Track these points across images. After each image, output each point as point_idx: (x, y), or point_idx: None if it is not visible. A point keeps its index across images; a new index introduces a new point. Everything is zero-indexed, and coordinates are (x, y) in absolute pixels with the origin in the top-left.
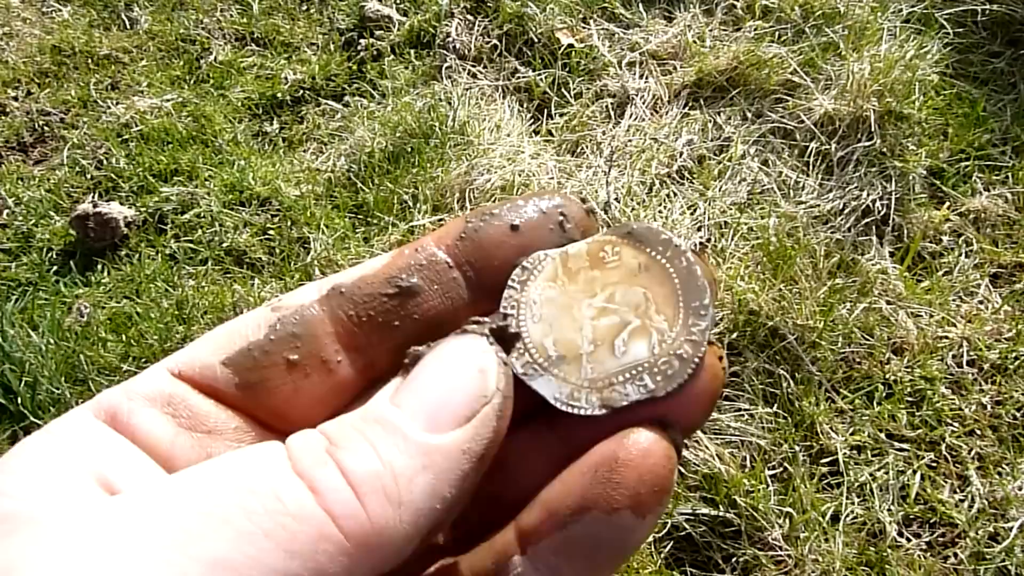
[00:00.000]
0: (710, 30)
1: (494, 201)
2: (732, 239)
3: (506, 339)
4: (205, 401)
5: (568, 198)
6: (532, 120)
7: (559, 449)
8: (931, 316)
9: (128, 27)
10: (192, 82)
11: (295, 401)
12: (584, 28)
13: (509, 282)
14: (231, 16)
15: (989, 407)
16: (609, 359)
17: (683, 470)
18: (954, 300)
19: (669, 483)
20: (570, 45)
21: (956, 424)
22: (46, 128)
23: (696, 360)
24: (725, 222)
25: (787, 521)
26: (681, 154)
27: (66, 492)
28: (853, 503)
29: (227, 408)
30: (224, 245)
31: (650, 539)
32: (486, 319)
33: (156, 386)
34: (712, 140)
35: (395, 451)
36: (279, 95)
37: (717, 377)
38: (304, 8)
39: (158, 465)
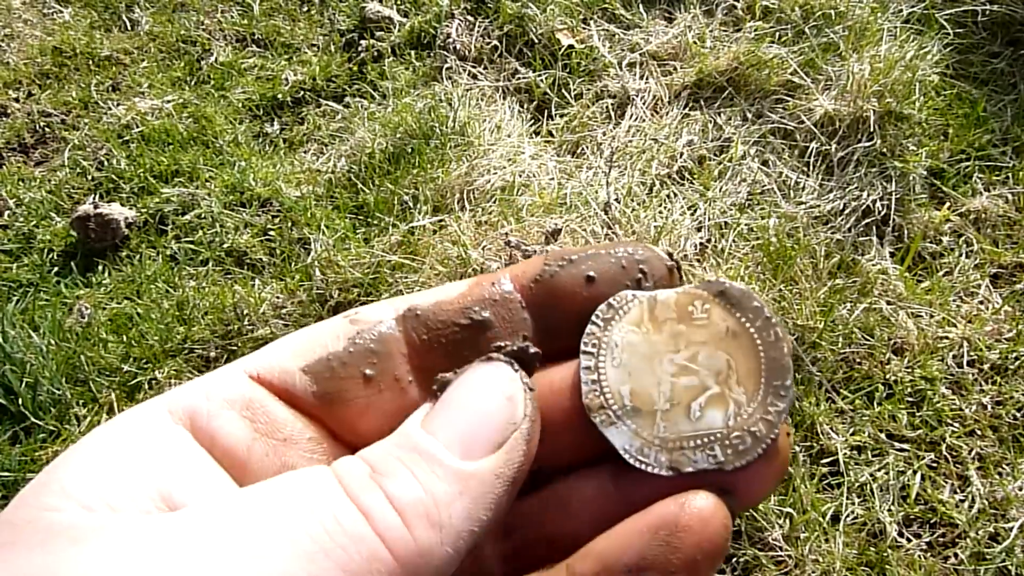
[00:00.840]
0: (710, 31)
1: (495, 201)
2: (732, 239)
3: (527, 361)
4: (282, 408)
5: (652, 251)
6: (532, 121)
7: (617, 502)
8: (931, 316)
9: (129, 28)
10: (193, 83)
11: (367, 415)
12: (584, 29)
13: (593, 317)
14: (232, 17)
15: (989, 407)
16: (683, 421)
17: None
18: (954, 300)
19: (724, 550)
20: (570, 46)
21: (956, 424)
22: (47, 129)
23: (769, 440)
24: (725, 222)
25: (787, 521)
26: (681, 155)
27: (127, 505)
28: (853, 503)
29: (303, 416)
30: (225, 246)
31: None
32: (508, 343)
33: (236, 389)
34: (712, 140)
35: (434, 478)
36: (280, 96)
37: (786, 457)
38: (305, 9)
39: (229, 475)
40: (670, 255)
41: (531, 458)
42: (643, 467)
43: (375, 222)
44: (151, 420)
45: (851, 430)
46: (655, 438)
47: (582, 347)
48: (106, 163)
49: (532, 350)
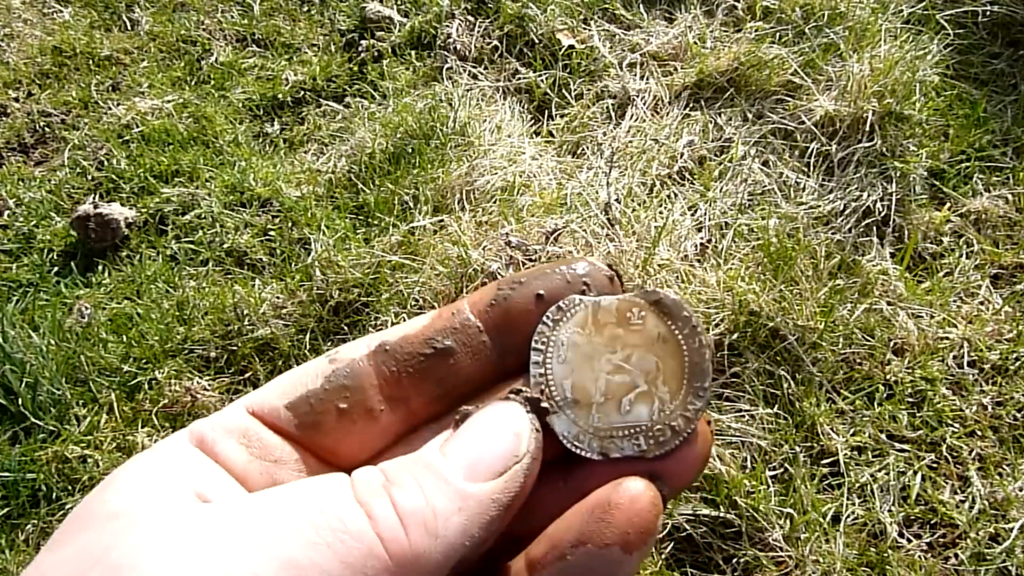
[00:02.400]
0: (711, 31)
1: (495, 202)
2: (732, 240)
3: (540, 411)
4: (274, 436)
5: (594, 265)
6: (533, 121)
7: (569, 496)
8: (932, 317)
9: (129, 28)
10: (193, 83)
11: (344, 442)
12: (585, 29)
13: (544, 319)
14: (232, 17)
15: (990, 408)
16: (614, 414)
17: None
18: (955, 301)
19: (654, 526)
20: (571, 46)
21: (957, 425)
22: (47, 129)
23: (686, 434)
24: (726, 223)
25: (788, 522)
26: (682, 155)
27: (168, 498)
28: (854, 504)
29: (291, 442)
30: (225, 246)
31: None
32: (526, 389)
33: (235, 420)
34: (713, 141)
35: (437, 493)
36: (280, 96)
37: (707, 441)
38: (305, 9)
39: (238, 484)
40: (610, 266)
41: (528, 490)
42: (577, 451)
43: (375, 222)
44: (176, 445)
45: (851, 431)
46: (590, 427)
47: (532, 344)
48: (106, 163)
49: (544, 404)
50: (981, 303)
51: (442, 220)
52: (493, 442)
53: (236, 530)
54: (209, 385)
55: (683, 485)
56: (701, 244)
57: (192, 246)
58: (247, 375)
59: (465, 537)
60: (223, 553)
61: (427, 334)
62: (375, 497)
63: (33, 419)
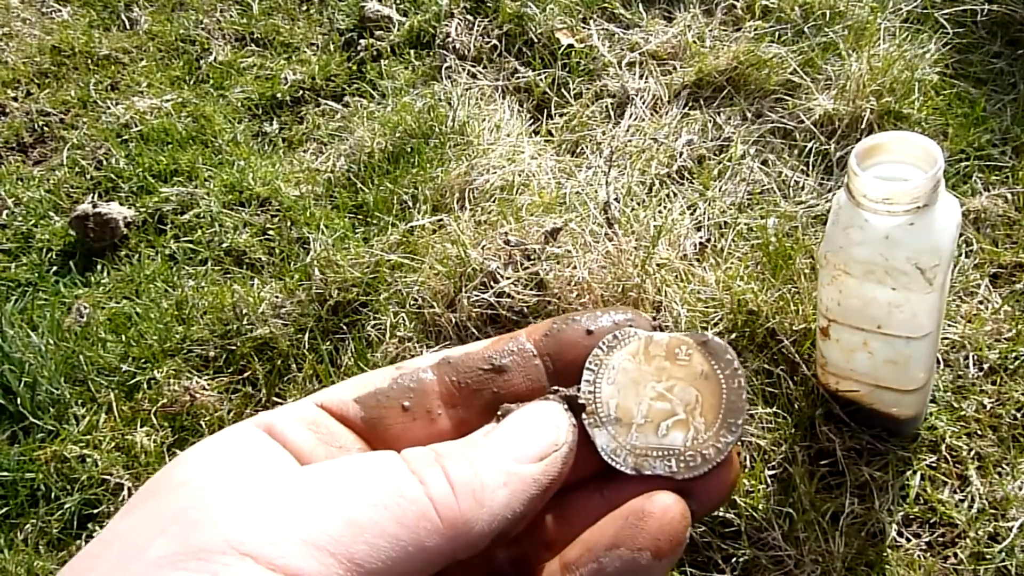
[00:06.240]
0: (710, 30)
1: (494, 201)
2: (731, 239)
3: (574, 407)
4: (340, 426)
5: (639, 315)
6: (532, 120)
7: (604, 508)
8: None
9: (128, 27)
10: (192, 82)
11: (403, 439)
12: (584, 28)
13: (600, 344)
14: (231, 16)
15: (989, 407)
16: (652, 436)
17: None
18: (954, 300)
19: (683, 536)
20: (570, 45)
21: (956, 424)
22: (46, 128)
23: (715, 463)
24: (725, 222)
25: (787, 521)
26: (681, 154)
27: (237, 469)
28: (853, 503)
29: (356, 434)
30: (224, 245)
31: None
32: (563, 389)
33: (305, 411)
34: (712, 140)
35: (485, 468)
36: (279, 95)
37: (735, 470)
38: (304, 8)
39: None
40: (654, 318)
41: (563, 476)
42: (613, 464)
43: (374, 221)
44: (243, 429)
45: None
46: (628, 444)
47: (587, 364)
48: (105, 162)
49: (581, 400)
50: (980, 302)
51: (441, 219)
52: (536, 431)
53: (304, 492)
54: (208, 384)
55: (711, 506)
56: (700, 243)
57: (191, 245)
58: (246, 374)
59: (508, 510)
60: (295, 511)
61: (487, 353)
62: (428, 467)
63: (32, 418)
